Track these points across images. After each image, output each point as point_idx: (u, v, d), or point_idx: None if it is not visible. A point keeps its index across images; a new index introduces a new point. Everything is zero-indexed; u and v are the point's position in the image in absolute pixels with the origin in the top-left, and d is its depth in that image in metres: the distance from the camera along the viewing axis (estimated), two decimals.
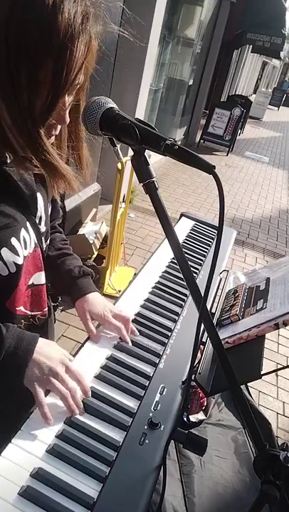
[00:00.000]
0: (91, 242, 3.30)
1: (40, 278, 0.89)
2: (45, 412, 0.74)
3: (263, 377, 0.91)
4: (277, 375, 2.98)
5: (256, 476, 0.64)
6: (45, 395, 0.77)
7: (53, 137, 0.75)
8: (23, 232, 0.79)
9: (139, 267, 1.48)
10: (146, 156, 0.73)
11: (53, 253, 1.05)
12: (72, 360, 0.85)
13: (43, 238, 0.88)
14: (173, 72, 7.38)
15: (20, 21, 0.58)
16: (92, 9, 0.65)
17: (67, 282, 1.03)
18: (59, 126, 0.73)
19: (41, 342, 0.79)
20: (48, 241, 0.95)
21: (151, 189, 0.72)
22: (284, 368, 3.00)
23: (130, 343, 0.99)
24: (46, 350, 0.78)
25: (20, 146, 0.70)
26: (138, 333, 1.03)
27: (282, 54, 11.06)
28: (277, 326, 0.90)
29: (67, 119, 0.72)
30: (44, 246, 0.90)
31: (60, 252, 1.07)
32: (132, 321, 1.05)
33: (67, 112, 0.72)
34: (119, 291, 3.06)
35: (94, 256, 3.39)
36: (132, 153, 0.74)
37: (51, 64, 0.61)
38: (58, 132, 0.74)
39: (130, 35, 0.82)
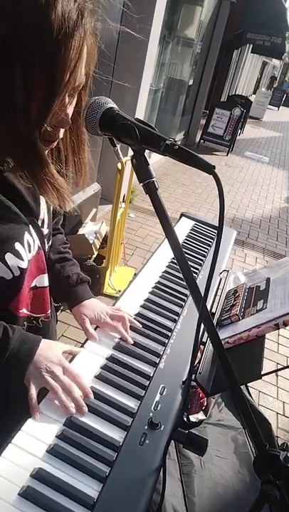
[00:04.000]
0: (91, 242, 3.30)
1: (43, 280, 0.89)
2: (34, 404, 0.76)
3: (263, 377, 0.91)
4: (277, 375, 2.98)
5: (256, 476, 0.64)
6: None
7: (55, 143, 0.74)
8: (26, 235, 0.79)
9: (139, 267, 1.48)
10: (146, 156, 0.73)
11: (54, 256, 1.06)
12: (78, 351, 0.89)
13: (45, 240, 0.88)
14: (173, 72, 7.38)
15: (12, 19, 0.57)
16: (90, 5, 0.63)
17: (64, 289, 1.05)
18: (61, 130, 0.72)
19: (43, 344, 0.81)
20: (50, 242, 0.95)
21: (151, 189, 0.72)
22: (284, 368, 3.00)
23: (130, 341, 0.99)
24: (46, 352, 0.80)
25: (16, 157, 0.69)
26: (140, 326, 1.05)
27: (284, 55, 11.04)
28: (277, 326, 0.90)
29: (69, 121, 0.71)
30: (46, 248, 0.90)
31: (60, 256, 1.07)
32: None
33: (70, 113, 0.70)
34: (119, 291, 3.06)
35: (94, 256, 3.39)
36: (132, 153, 0.74)
37: (45, 62, 0.59)
38: (61, 135, 0.73)
39: (131, 31, 0.81)
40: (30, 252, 0.81)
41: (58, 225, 1.08)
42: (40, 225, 0.85)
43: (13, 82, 0.60)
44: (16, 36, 0.57)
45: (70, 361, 0.90)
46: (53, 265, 1.05)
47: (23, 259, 0.78)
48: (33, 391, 0.77)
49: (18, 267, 0.77)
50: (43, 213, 0.86)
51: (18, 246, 0.76)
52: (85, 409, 0.78)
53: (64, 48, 0.59)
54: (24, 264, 0.78)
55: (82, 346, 0.96)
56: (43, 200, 0.85)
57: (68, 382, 0.79)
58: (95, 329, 1.02)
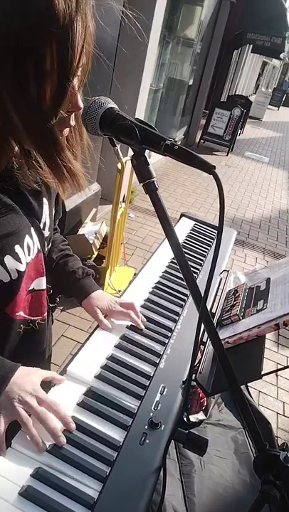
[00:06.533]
0: (91, 242, 3.30)
1: (41, 283, 0.89)
2: (0, 441, 0.70)
3: (263, 377, 0.91)
4: (277, 375, 2.98)
5: (256, 476, 0.64)
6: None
7: (67, 130, 0.73)
8: (27, 238, 0.79)
9: (139, 267, 1.48)
10: (146, 156, 0.73)
11: (56, 254, 1.08)
12: (61, 379, 0.83)
13: (45, 243, 0.88)
14: (173, 72, 7.38)
15: (21, 13, 0.58)
16: None
17: (71, 283, 1.07)
18: (72, 116, 0.72)
19: (20, 372, 0.76)
20: (50, 245, 0.95)
21: (151, 189, 0.72)
22: (284, 368, 3.01)
23: (142, 327, 1.04)
24: (22, 381, 0.75)
25: (32, 146, 0.69)
26: (144, 319, 1.07)
27: (282, 54, 11.04)
28: (277, 327, 0.90)
29: (81, 104, 0.71)
30: (46, 250, 0.90)
31: (62, 254, 1.09)
32: None
33: (79, 96, 0.70)
34: (119, 291, 3.06)
35: (94, 256, 3.39)
36: (132, 153, 0.74)
37: (55, 50, 0.60)
38: (74, 123, 0.73)
39: (131, 19, 0.81)
40: (29, 255, 0.80)
41: (55, 225, 1.08)
42: (41, 227, 0.85)
43: (26, 72, 0.60)
44: (25, 27, 0.58)
45: (70, 362, 0.90)
46: (55, 262, 1.06)
47: (21, 262, 0.77)
48: (2, 425, 0.71)
49: (17, 270, 0.77)
50: (45, 216, 0.86)
51: (17, 249, 0.76)
52: (63, 440, 0.72)
53: (71, 32, 0.61)
54: (22, 267, 0.78)
55: (82, 346, 0.96)
56: (45, 204, 0.85)
57: (43, 411, 0.73)
58: (97, 327, 1.03)
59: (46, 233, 0.87)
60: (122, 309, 1.05)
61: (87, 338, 0.99)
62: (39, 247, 0.84)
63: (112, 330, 1.02)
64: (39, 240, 0.84)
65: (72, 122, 0.73)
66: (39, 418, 0.72)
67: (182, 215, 1.75)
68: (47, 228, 0.88)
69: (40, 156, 0.69)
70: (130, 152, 0.74)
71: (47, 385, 0.82)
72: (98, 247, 3.44)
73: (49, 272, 0.92)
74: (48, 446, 0.71)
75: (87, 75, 0.72)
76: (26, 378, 0.76)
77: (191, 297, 0.75)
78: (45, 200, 0.85)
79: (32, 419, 0.72)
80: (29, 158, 0.72)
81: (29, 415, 0.73)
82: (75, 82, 0.67)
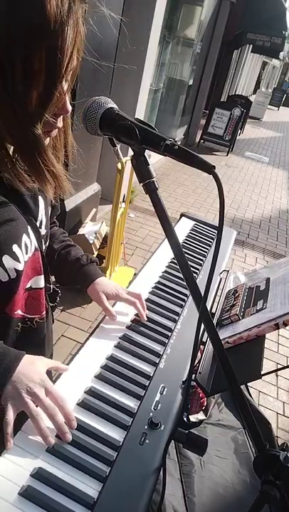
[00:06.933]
0: (91, 242, 3.30)
1: (38, 282, 0.89)
2: (8, 433, 0.70)
3: (263, 377, 0.91)
4: (277, 375, 2.98)
5: (256, 476, 0.64)
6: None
7: (56, 131, 0.74)
8: (24, 237, 0.79)
9: (139, 267, 1.48)
10: (146, 156, 0.73)
11: (57, 245, 1.09)
12: (65, 368, 0.84)
13: (42, 241, 0.88)
14: (173, 72, 7.38)
15: (11, 17, 0.58)
16: None
17: (75, 271, 1.07)
18: (60, 119, 0.72)
19: (25, 360, 0.76)
20: (48, 242, 0.95)
21: (151, 189, 0.72)
22: (284, 367, 3.00)
23: (145, 318, 1.06)
24: (28, 370, 0.75)
25: (16, 147, 0.69)
26: (147, 313, 1.09)
27: (281, 54, 11.04)
28: (277, 326, 0.90)
29: (69, 108, 0.71)
30: (44, 248, 0.90)
31: (63, 244, 1.11)
32: (132, 321, 1.06)
33: (68, 100, 0.71)
34: None
35: (94, 256, 3.38)
36: (132, 153, 0.74)
37: (44, 52, 0.60)
38: (61, 124, 0.73)
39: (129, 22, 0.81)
40: (27, 253, 0.80)
41: (53, 219, 1.09)
42: (38, 225, 0.85)
43: (13, 74, 0.60)
44: (15, 31, 0.58)
45: (69, 362, 0.90)
46: (57, 252, 1.08)
47: (19, 261, 0.78)
48: (10, 416, 0.70)
49: (15, 269, 0.77)
50: (42, 214, 0.86)
51: (15, 248, 0.76)
52: (69, 436, 0.73)
53: (61, 38, 0.61)
54: (21, 266, 0.78)
55: (82, 346, 0.96)
56: (41, 202, 0.86)
57: (52, 406, 0.73)
58: (97, 327, 1.02)
59: (43, 231, 0.88)
60: (128, 297, 1.06)
61: (87, 338, 0.99)
62: (36, 246, 0.84)
63: (112, 330, 1.02)
64: (36, 238, 0.84)
65: (60, 124, 0.73)
66: (48, 413, 0.73)
67: (182, 215, 1.75)
68: (43, 226, 0.88)
69: (22, 159, 0.70)
70: (130, 152, 0.74)
71: (49, 375, 0.82)
72: (98, 247, 3.44)
73: (52, 263, 0.92)
74: (54, 441, 0.72)
75: (76, 79, 0.72)
76: (32, 367, 0.76)
77: (191, 297, 0.75)
78: (40, 198, 0.85)
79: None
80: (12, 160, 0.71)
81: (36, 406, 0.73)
82: (64, 85, 0.67)
